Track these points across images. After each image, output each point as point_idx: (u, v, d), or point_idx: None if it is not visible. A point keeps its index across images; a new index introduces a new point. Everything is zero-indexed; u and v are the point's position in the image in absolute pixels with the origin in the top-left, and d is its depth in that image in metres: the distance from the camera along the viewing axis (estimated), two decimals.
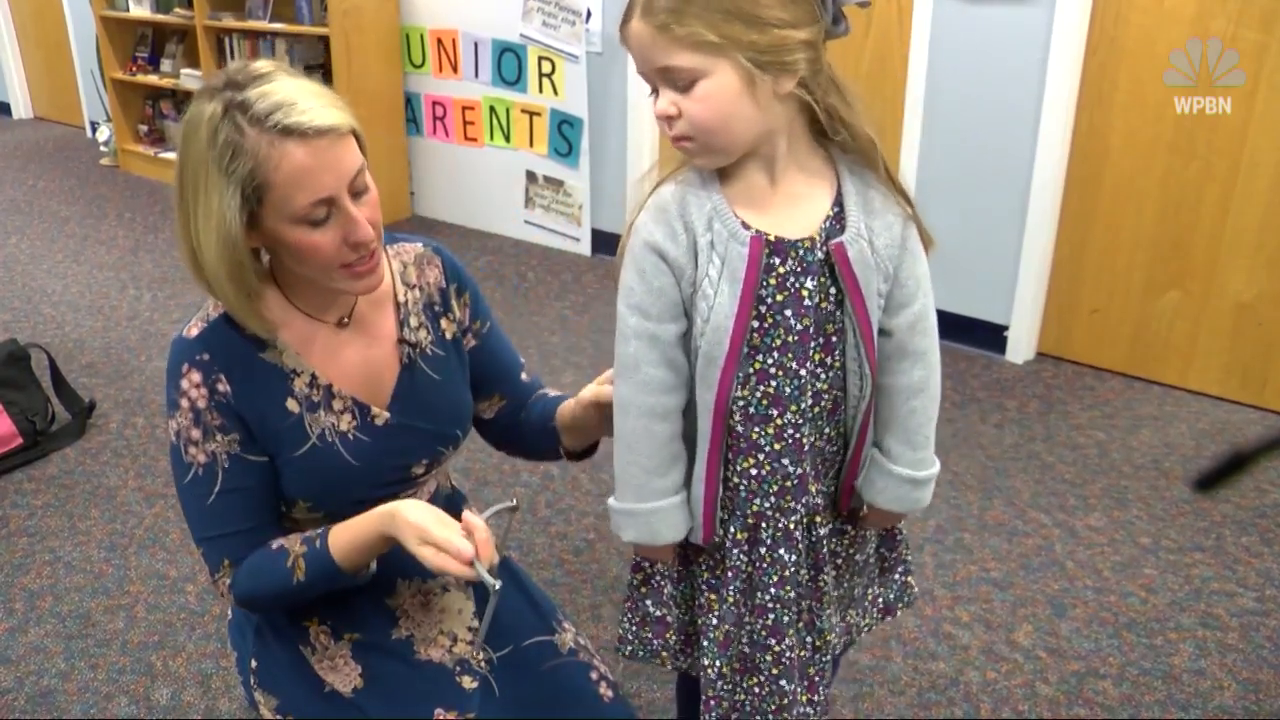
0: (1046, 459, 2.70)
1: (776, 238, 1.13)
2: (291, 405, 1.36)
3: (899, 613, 1.43)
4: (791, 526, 1.23)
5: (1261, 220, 2.80)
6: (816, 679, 1.31)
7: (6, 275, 4.09)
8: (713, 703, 1.30)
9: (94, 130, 6.09)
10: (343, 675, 1.48)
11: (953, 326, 3.32)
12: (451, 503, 1.62)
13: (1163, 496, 2.53)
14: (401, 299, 1.44)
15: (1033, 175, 3.07)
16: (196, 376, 1.33)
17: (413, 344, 1.44)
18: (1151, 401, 3.01)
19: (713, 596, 1.28)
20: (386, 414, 1.42)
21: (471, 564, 1.19)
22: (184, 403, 1.34)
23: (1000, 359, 3.28)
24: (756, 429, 1.18)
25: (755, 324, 1.15)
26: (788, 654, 1.26)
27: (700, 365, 1.16)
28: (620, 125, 3.97)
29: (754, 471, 1.20)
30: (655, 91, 1.11)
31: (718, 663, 1.28)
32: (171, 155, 5.30)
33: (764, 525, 1.23)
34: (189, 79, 5.06)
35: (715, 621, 1.28)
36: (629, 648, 1.37)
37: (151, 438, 2.84)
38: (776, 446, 1.19)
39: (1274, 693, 1.91)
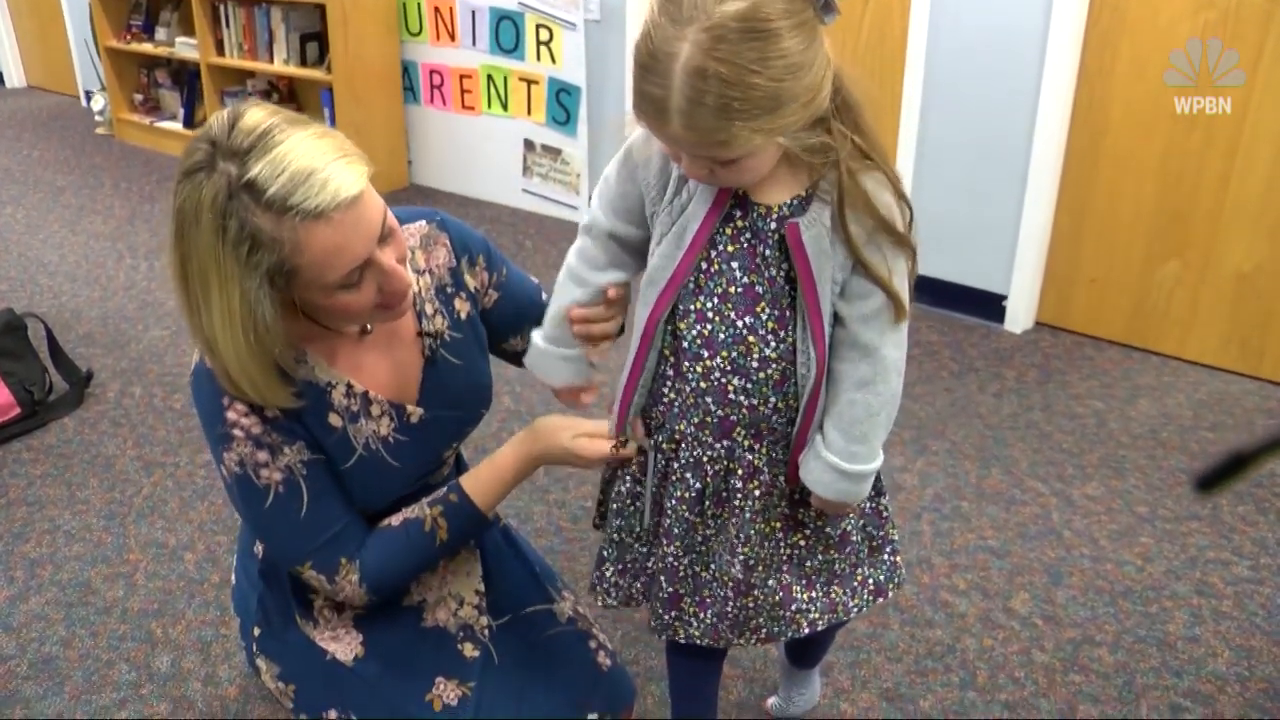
0: (1044, 428, 2.71)
1: (745, 194, 1.16)
2: (334, 420, 1.33)
3: (890, 593, 1.43)
4: (704, 459, 1.27)
5: (1263, 191, 2.79)
6: (709, 602, 1.34)
7: (2, 245, 4.07)
8: (611, 568, 1.38)
9: (89, 99, 6.05)
10: (344, 645, 1.48)
11: (951, 296, 3.32)
12: (458, 468, 1.63)
13: (1160, 466, 2.53)
14: (414, 288, 1.39)
15: (1033, 144, 3.05)
16: (242, 406, 1.27)
17: (432, 334, 1.42)
18: (1150, 371, 3.01)
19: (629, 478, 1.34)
20: (420, 410, 1.40)
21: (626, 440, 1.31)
22: (237, 432, 1.28)
23: (999, 328, 3.28)
24: (687, 363, 1.23)
25: (703, 265, 1.18)
26: (670, 560, 1.32)
27: (643, 284, 1.22)
28: (619, 93, 3.95)
29: (680, 399, 1.26)
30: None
31: (618, 533, 1.36)
32: (168, 125, 5.29)
33: (684, 446, 1.28)
34: (184, 47, 5.02)
35: (622, 489, 1.35)
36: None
37: (149, 407, 2.84)
38: (702, 385, 1.23)
39: (1266, 659, 1.92)
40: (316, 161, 1.11)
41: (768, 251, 1.16)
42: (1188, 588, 2.11)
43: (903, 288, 1.17)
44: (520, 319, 1.53)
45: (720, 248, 1.17)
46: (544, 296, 1.55)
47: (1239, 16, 2.70)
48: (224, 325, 1.15)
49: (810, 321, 1.17)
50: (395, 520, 1.38)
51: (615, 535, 1.36)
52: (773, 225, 1.16)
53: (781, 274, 1.17)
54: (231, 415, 1.27)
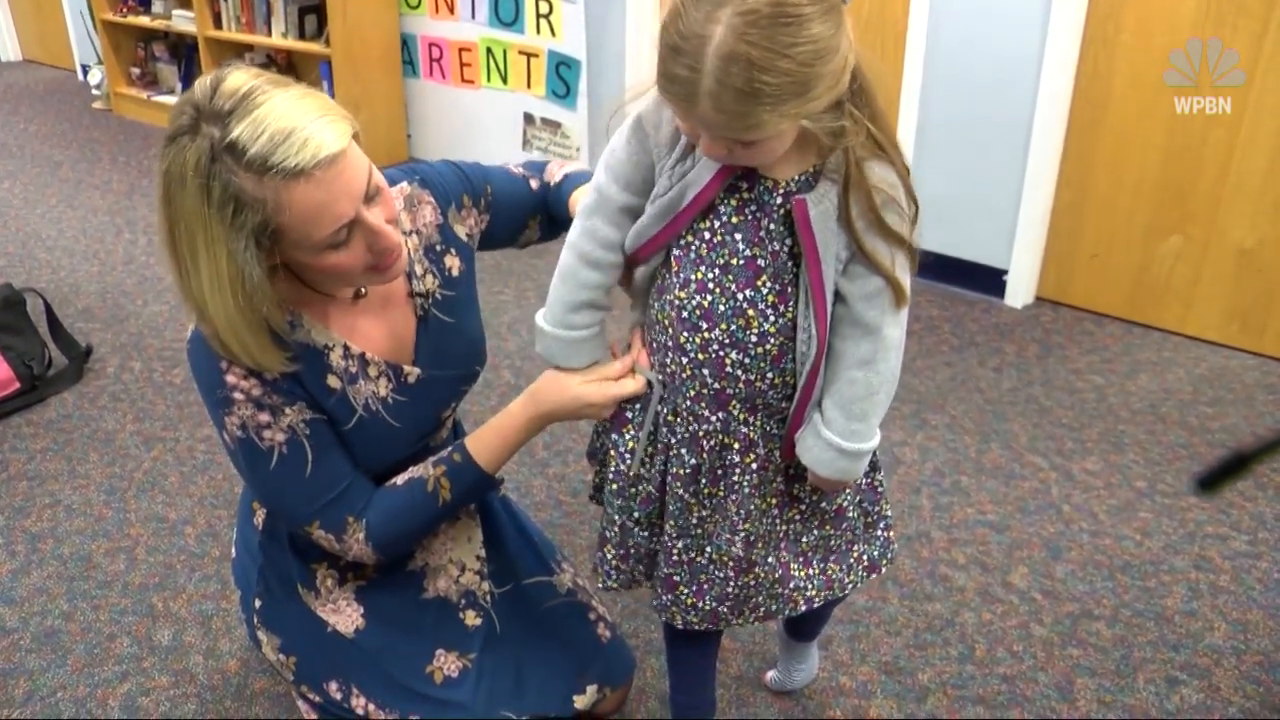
0: (1044, 403, 2.71)
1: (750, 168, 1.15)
2: (332, 381, 1.33)
3: (883, 569, 1.43)
4: (700, 434, 1.27)
5: (1266, 166, 2.77)
6: (706, 586, 1.34)
7: (0, 220, 4.06)
8: (611, 552, 1.37)
9: (85, 73, 6.01)
10: (345, 617, 1.49)
11: (952, 270, 3.32)
12: (456, 433, 1.63)
13: (1159, 441, 2.54)
14: (405, 251, 1.40)
15: (1035, 118, 3.03)
16: (240, 369, 1.27)
17: (423, 294, 1.42)
18: (1150, 347, 3.01)
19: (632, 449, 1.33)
20: (416, 370, 1.41)
21: (633, 371, 1.30)
22: (237, 395, 1.28)
23: (999, 303, 3.27)
24: (685, 334, 1.23)
25: (706, 236, 1.18)
26: (667, 540, 1.32)
27: (629, 236, 1.23)
28: (618, 67, 3.93)
29: (678, 370, 1.26)
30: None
31: (619, 515, 1.35)
32: (166, 99, 5.26)
33: (679, 421, 1.28)
34: (181, 20, 4.99)
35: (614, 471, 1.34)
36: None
37: (149, 382, 2.84)
38: (700, 357, 1.23)
39: (1262, 632, 1.93)
40: (297, 121, 1.11)
41: (772, 225, 1.16)
42: (1186, 562, 2.12)
43: (904, 275, 1.17)
44: (522, 217, 1.54)
45: (724, 219, 1.17)
46: (534, 184, 1.55)
47: (1239, 16, 2.68)
48: (213, 288, 1.16)
49: (813, 298, 1.16)
50: (400, 480, 1.39)
51: (616, 517, 1.35)
52: (779, 200, 1.15)
53: (785, 249, 1.17)
54: (231, 379, 1.27)
